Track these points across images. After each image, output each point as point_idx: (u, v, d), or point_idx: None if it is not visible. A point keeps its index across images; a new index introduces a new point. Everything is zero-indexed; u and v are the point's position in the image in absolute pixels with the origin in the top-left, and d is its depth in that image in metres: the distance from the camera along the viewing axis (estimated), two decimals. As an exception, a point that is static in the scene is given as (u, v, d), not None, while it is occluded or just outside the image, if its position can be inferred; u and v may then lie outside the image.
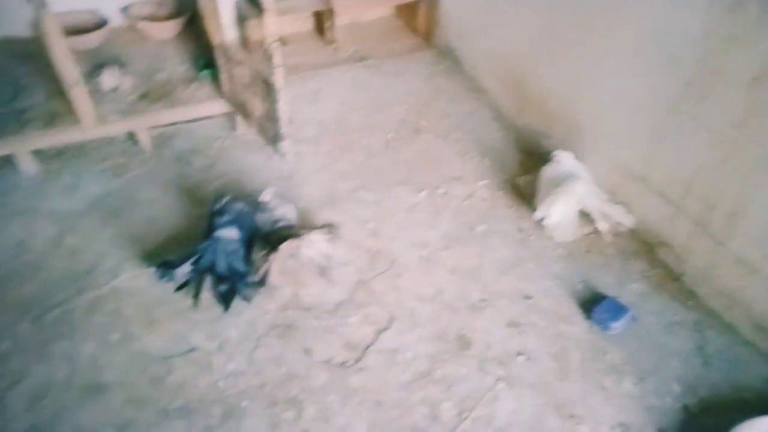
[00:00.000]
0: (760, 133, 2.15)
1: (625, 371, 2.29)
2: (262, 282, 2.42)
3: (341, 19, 3.95)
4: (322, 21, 4.08)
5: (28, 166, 2.97)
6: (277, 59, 2.29)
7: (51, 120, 2.98)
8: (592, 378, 2.29)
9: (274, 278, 2.47)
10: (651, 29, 2.47)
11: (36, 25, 2.96)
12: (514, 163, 3.31)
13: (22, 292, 2.43)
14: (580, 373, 2.31)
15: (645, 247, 2.77)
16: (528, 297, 2.58)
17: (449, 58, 4.10)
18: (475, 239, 2.84)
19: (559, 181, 2.82)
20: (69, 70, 2.70)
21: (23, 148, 2.92)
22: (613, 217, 2.81)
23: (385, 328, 2.42)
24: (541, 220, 2.82)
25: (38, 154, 3.05)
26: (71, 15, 3.63)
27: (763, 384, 2.25)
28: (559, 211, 2.79)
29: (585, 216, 2.84)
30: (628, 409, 2.18)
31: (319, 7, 3.88)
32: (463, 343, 2.39)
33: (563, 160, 2.91)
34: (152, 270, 2.48)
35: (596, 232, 2.84)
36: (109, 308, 2.39)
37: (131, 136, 3.22)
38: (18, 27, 3.62)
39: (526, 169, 3.23)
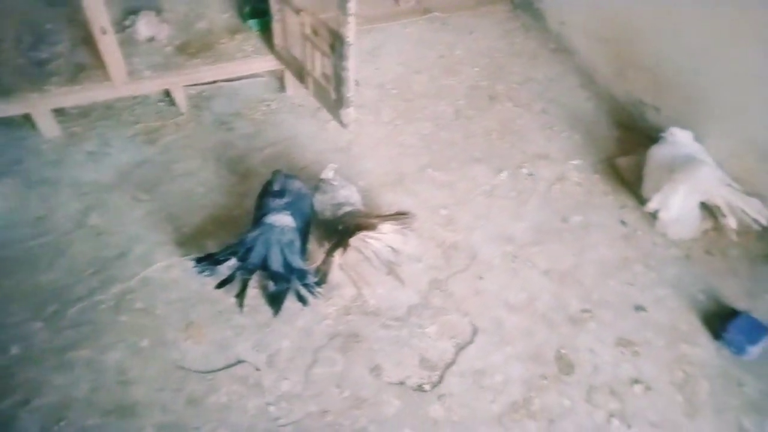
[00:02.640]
0: None
1: (770, 410, 1.85)
2: (321, 281, 1.99)
3: (404, -36, 3.41)
4: (381, -34, 3.54)
5: (49, 127, 2.57)
6: (352, 5, 1.80)
7: (76, 74, 2.56)
8: (727, 416, 1.87)
9: (334, 275, 2.05)
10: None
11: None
12: (611, 139, 2.81)
13: (37, 283, 2.04)
14: (711, 408, 1.89)
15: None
16: (640, 308, 2.14)
17: (528, 12, 3.54)
18: (571, 233, 2.38)
19: (675, 166, 2.35)
20: (98, 14, 2.26)
21: (43, 106, 2.51)
22: (746, 211, 2.28)
23: (468, 343, 1.99)
24: (655, 213, 2.32)
25: (60, 113, 2.64)
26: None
27: None
28: (678, 203, 2.28)
29: (704, 210, 2.33)
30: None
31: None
32: (565, 365, 1.96)
33: (679, 140, 2.45)
34: (189, 260, 2.08)
35: (716, 229, 2.36)
36: (140, 305, 2.00)
37: (166, 95, 2.79)
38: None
39: (626, 147, 2.75)
